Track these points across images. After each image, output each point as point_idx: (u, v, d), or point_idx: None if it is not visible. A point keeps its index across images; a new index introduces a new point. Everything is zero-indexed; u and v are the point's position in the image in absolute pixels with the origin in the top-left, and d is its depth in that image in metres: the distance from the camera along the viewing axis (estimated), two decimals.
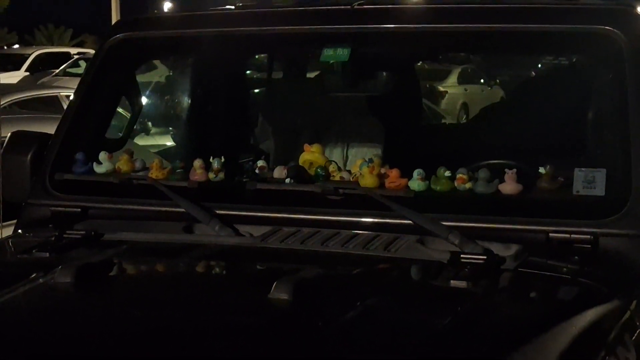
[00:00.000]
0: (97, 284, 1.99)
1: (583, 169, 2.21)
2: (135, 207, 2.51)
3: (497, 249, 2.09)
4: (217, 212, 2.37)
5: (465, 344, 1.69)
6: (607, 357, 1.81)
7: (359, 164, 2.42)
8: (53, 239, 2.29)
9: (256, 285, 1.97)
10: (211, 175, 2.51)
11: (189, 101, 3.41)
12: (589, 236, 2.11)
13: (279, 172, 2.49)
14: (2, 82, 9.21)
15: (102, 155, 2.62)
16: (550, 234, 2.14)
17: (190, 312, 1.82)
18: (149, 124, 8.87)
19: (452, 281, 1.92)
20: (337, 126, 2.98)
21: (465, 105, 14.39)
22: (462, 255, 2.04)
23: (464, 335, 1.73)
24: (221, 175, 2.51)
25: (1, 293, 1.91)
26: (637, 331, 1.95)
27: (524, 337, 1.72)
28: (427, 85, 13.41)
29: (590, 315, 1.89)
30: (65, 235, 2.31)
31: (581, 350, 1.76)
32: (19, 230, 2.57)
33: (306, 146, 2.51)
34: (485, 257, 2.02)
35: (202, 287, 2.05)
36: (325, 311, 1.79)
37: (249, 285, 2.03)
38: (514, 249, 2.09)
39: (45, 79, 16.90)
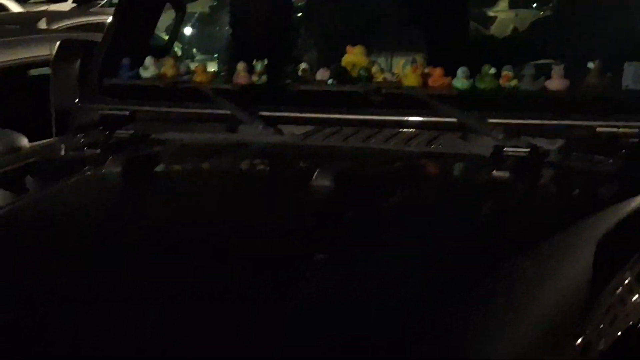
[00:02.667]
0: (145, 175, 2.04)
1: (633, 62, 2.18)
2: (181, 110, 2.54)
3: (542, 143, 2.08)
4: (261, 113, 2.39)
5: (507, 233, 1.70)
6: None
7: (402, 64, 2.41)
8: (103, 138, 2.35)
9: (298, 176, 2.00)
10: (254, 78, 2.53)
11: (232, 8, 3.41)
12: (636, 130, 2.09)
13: (322, 74, 2.49)
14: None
15: (148, 60, 2.65)
16: (597, 129, 2.12)
17: (234, 200, 1.85)
18: (194, 50, 8.88)
19: (494, 172, 1.92)
20: (381, 30, 2.96)
21: (515, 30, 14.14)
22: (505, 149, 2.04)
23: (505, 225, 1.73)
24: (264, 78, 2.52)
25: (55, 183, 1.97)
26: None
27: (565, 227, 1.72)
28: (476, 10, 13.16)
29: (633, 207, 1.88)
30: (114, 135, 2.37)
31: (621, 242, 1.75)
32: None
33: (349, 48, 2.51)
34: (528, 150, 2.02)
35: (246, 179, 2.09)
36: (366, 199, 1.81)
37: (291, 177, 2.06)
38: (558, 143, 2.08)
39: (92, 10, 17.00)
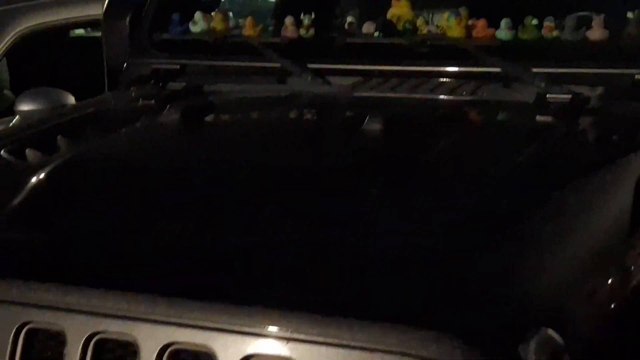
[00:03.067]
0: (202, 122, 2.14)
1: None
2: (231, 63, 2.63)
3: (583, 90, 2.15)
4: (309, 65, 2.47)
5: (552, 172, 1.77)
6: None
7: (446, 16, 2.48)
8: (157, 90, 2.45)
9: (350, 122, 2.09)
10: (302, 32, 2.61)
11: None
12: None
13: (368, 27, 2.57)
14: None
15: (198, 15, 2.74)
16: (636, 76, 2.18)
17: (288, 143, 1.95)
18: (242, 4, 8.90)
19: (537, 117, 2.00)
20: None
21: None
22: (548, 96, 2.11)
23: (550, 165, 1.81)
24: (312, 31, 2.61)
25: (118, 130, 2.08)
26: None
27: (606, 167, 1.80)
28: None
29: None
30: (167, 87, 2.47)
31: None
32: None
33: (394, 1, 2.58)
34: (570, 96, 2.09)
35: (299, 126, 2.19)
36: (416, 141, 1.89)
37: (342, 123, 2.15)
38: (599, 90, 2.15)
39: None
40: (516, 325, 1.25)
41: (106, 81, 2.84)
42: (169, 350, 1.33)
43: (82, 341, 1.37)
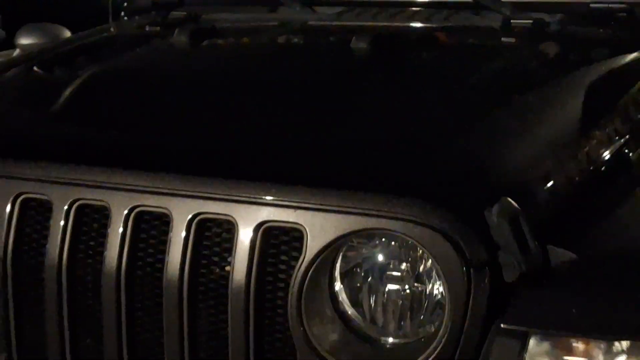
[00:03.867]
0: (206, 44, 2.42)
1: None
2: None
3: (544, 16, 2.43)
4: None
5: (517, 81, 2.06)
6: (629, 107, 2.18)
7: None
8: (160, 19, 2.70)
9: (338, 43, 2.36)
10: None
11: None
12: (625, 5, 2.44)
13: None
14: None
15: None
16: (590, 5, 2.47)
17: (280, 62, 2.23)
18: None
19: (502, 39, 2.29)
20: None
21: None
22: (512, 21, 2.40)
23: (515, 76, 2.10)
24: None
25: (129, 51, 2.35)
26: None
27: (562, 78, 2.09)
28: None
29: (618, 65, 2.25)
30: (170, 16, 2.72)
31: (608, 91, 2.13)
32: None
33: None
34: (532, 21, 2.38)
35: (293, 46, 2.46)
36: (400, 57, 2.18)
37: (331, 43, 2.43)
38: (558, 16, 2.44)
39: None
40: (484, 196, 1.55)
41: (110, 12, 3.08)
42: (196, 219, 1.61)
43: (124, 214, 1.65)
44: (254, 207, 1.58)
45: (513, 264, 1.50)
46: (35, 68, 2.31)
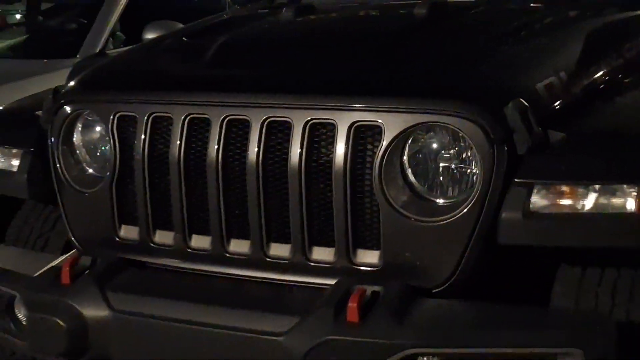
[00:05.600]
0: (309, 17, 3.24)
1: None
2: None
3: None
4: None
5: (526, 36, 2.84)
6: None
7: None
8: (270, 4, 3.54)
9: (406, 10, 3.14)
10: None
11: None
12: None
13: None
14: None
15: None
16: None
17: (361, 24, 3.07)
18: None
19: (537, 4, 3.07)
20: None
21: None
22: None
23: (537, 28, 2.87)
24: None
25: (246, 26, 3.19)
26: None
27: (568, 29, 2.86)
28: None
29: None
30: (275, 2, 3.55)
31: (611, 39, 2.88)
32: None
33: None
34: None
35: (372, 15, 3.27)
36: (449, 18, 2.96)
37: (401, 11, 3.23)
38: None
39: None
40: (504, 99, 2.30)
41: (227, 3, 3.92)
42: (309, 124, 2.39)
43: (260, 124, 2.44)
44: (348, 112, 2.36)
45: (523, 141, 2.24)
46: (183, 39, 3.17)
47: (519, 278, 2.44)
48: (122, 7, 5.10)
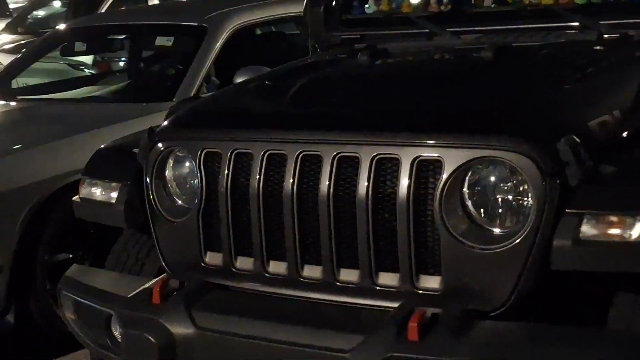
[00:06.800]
0: (387, 59, 3.47)
1: None
2: (394, 31, 3.91)
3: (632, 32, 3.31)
4: (448, 29, 3.71)
5: (579, 76, 3.01)
6: None
7: None
8: (347, 49, 3.78)
9: (473, 54, 3.33)
10: (442, 7, 3.87)
11: None
12: None
13: (487, 1, 3.80)
14: None
15: (370, 1, 4.04)
16: None
17: (430, 66, 3.28)
18: None
19: (594, 47, 3.21)
20: None
21: None
22: (605, 35, 3.30)
23: (594, 70, 3.04)
24: (449, 6, 3.86)
25: (331, 67, 3.44)
26: None
27: (624, 74, 3.02)
28: None
29: None
30: (353, 48, 3.79)
31: None
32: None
33: None
34: (619, 34, 3.28)
35: (442, 58, 3.48)
36: (510, 60, 3.15)
37: (468, 55, 3.42)
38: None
39: None
40: (558, 135, 2.47)
41: (310, 49, 4.18)
42: (376, 159, 2.60)
43: (331, 159, 2.66)
44: (410, 147, 2.57)
45: (574, 174, 2.41)
46: (266, 81, 3.45)
47: (574, 303, 2.59)
48: (216, 53, 5.41)
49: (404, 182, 2.57)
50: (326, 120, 2.78)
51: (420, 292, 2.59)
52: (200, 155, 2.88)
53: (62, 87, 6.04)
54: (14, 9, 15.11)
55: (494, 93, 2.81)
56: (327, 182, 2.66)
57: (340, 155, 2.67)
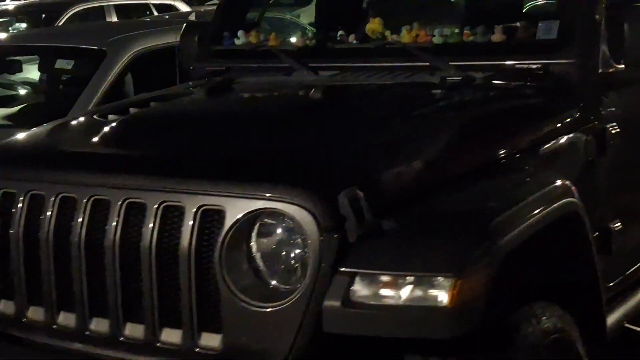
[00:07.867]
0: (220, 97, 3.31)
1: (544, 21, 3.23)
2: (259, 64, 3.75)
3: (474, 74, 3.15)
4: (309, 64, 3.55)
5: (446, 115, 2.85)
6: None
7: (403, 28, 3.53)
8: (207, 83, 3.62)
9: (305, 93, 3.19)
10: (307, 42, 3.72)
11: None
12: (541, 65, 3.12)
13: (351, 37, 3.65)
14: None
15: (240, 33, 3.89)
16: (516, 66, 3.17)
17: (285, 100, 3.17)
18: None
19: (433, 91, 3.05)
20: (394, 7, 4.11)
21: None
22: (447, 78, 3.14)
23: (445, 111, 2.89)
24: (314, 41, 3.71)
25: (164, 101, 3.29)
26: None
27: (485, 122, 2.86)
28: None
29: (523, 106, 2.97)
30: (212, 80, 3.64)
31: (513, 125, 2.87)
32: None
33: (370, 19, 3.65)
34: (461, 77, 3.11)
35: (277, 97, 3.34)
36: (341, 101, 3.00)
37: (301, 94, 3.27)
38: (485, 74, 3.15)
39: None
40: (338, 187, 2.31)
41: (177, 79, 4.03)
42: (162, 206, 2.44)
43: (118, 205, 2.50)
44: (195, 196, 2.41)
45: (353, 229, 2.25)
46: (95, 116, 3.30)
47: None
48: (114, 77, 5.25)
49: (186, 232, 2.41)
50: (116, 162, 2.63)
51: (200, 350, 2.42)
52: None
53: None
54: None
55: (297, 138, 2.65)
56: (113, 230, 2.51)
57: (128, 201, 2.51)
